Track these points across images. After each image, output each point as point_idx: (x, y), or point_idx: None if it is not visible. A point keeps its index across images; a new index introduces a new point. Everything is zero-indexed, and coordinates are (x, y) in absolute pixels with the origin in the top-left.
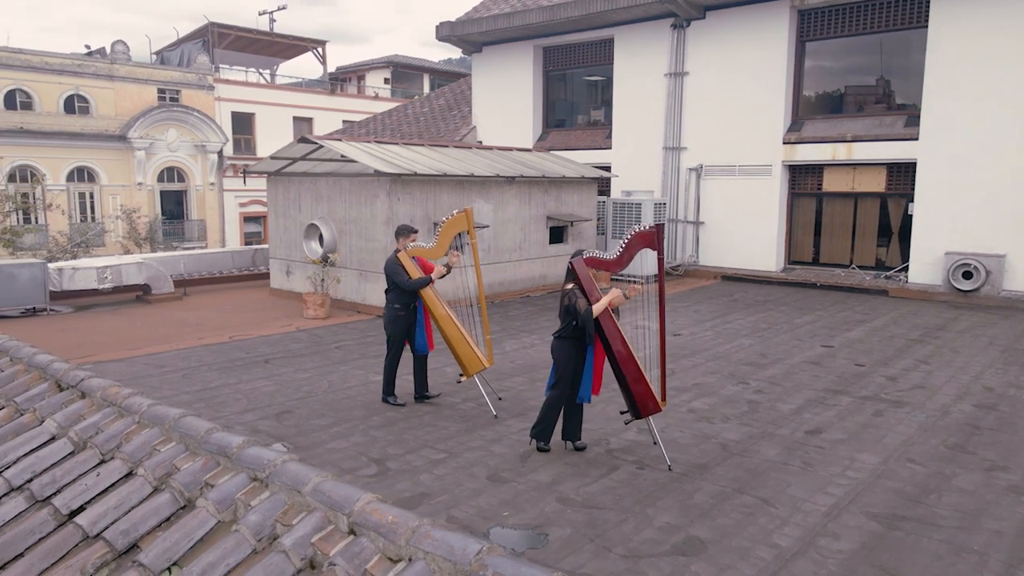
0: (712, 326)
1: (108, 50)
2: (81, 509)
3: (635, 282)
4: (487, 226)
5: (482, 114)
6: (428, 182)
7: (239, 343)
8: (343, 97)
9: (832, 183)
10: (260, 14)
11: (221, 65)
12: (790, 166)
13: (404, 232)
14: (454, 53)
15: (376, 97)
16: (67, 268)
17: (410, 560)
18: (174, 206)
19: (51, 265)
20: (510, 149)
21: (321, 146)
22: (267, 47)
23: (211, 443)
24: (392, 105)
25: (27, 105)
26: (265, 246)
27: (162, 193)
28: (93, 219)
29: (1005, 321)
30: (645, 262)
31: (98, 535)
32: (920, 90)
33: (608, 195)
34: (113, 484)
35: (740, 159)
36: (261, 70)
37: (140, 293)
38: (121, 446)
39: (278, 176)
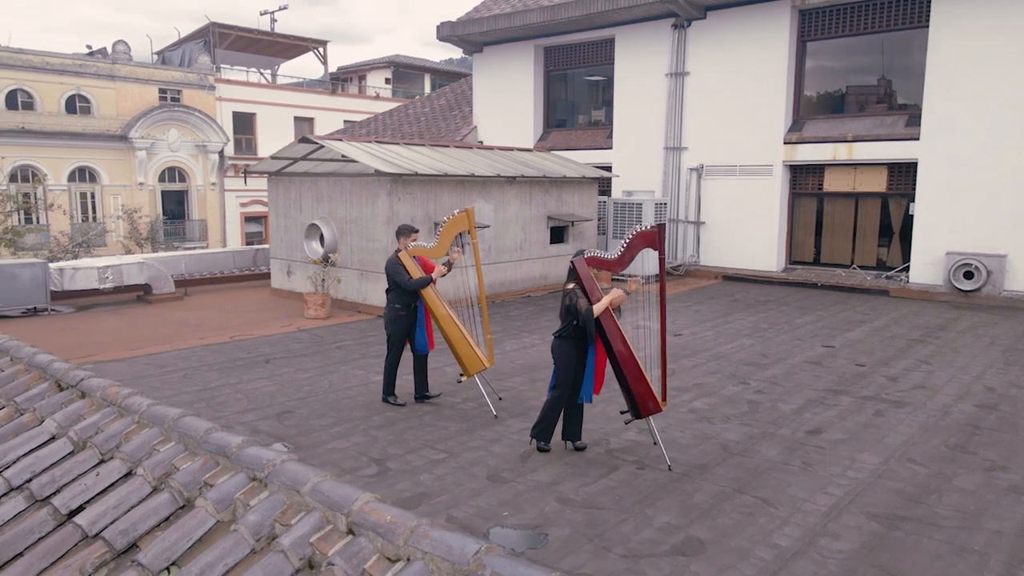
0: (713, 326)
1: (109, 50)
2: (80, 509)
3: (634, 276)
4: (488, 226)
5: (483, 114)
6: (429, 182)
7: (240, 343)
8: (344, 97)
9: (833, 183)
10: (261, 14)
11: (222, 65)
12: (791, 166)
13: (405, 232)
14: (455, 53)
15: (377, 97)
16: (68, 268)
17: (408, 560)
18: (175, 206)
19: (52, 265)
20: (511, 149)
21: (322, 146)
22: (268, 47)
23: (210, 443)
24: (393, 105)
25: (28, 105)
26: (266, 246)
27: (163, 193)
28: (94, 219)
29: (1006, 321)
30: (646, 262)
31: (97, 535)
32: (921, 90)
33: (609, 195)
34: (112, 484)
35: (741, 159)
36: (262, 70)
37: (141, 293)
38: (120, 446)
39: (279, 176)
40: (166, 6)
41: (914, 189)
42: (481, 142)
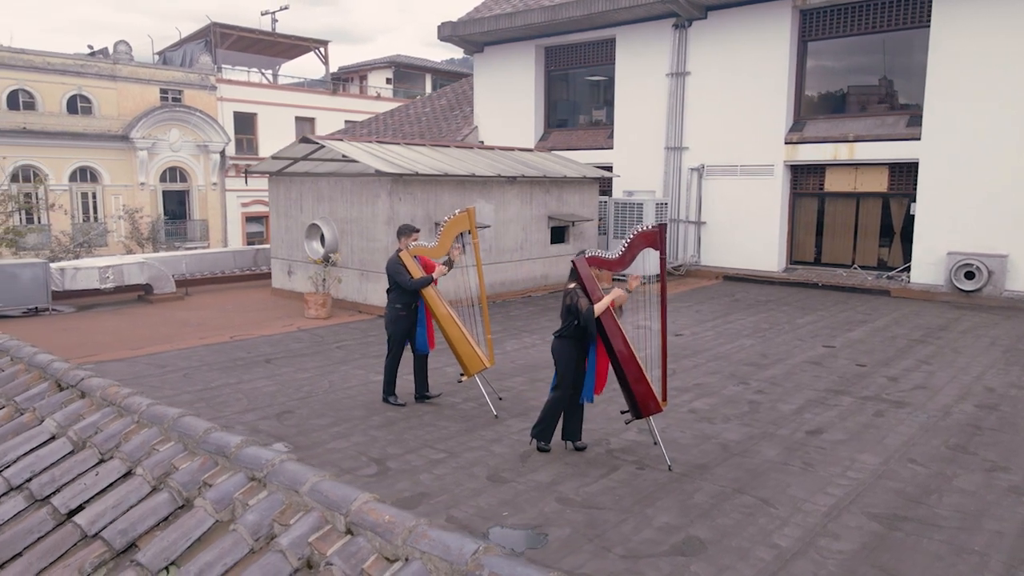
0: (713, 326)
1: (111, 50)
2: (80, 508)
3: (635, 274)
4: (488, 226)
5: (484, 114)
6: (430, 182)
7: (240, 343)
8: (345, 97)
9: (834, 183)
10: (262, 14)
11: (223, 65)
12: (792, 166)
13: (406, 232)
14: (456, 53)
15: (378, 97)
16: (69, 268)
17: (407, 560)
18: (176, 206)
19: (53, 265)
20: (512, 149)
21: (323, 146)
22: (269, 47)
23: (209, 443)
24: (394, 105)
25: (30, 105)
26: (267, 246)
27: (164, 193)
28: (95, 219)
29: (1007, 321)
30: (647, 262)
31: (96, 534)
32: (922, 90)
33: (610, 195)
34: (112, 483)
35: (742, 159)
36: (263, 70)
37: (142, 293)
38: (120, 445)
39: (280, 176)
40: (167, 6)
41: (915, 189)
42: (482, 142)
